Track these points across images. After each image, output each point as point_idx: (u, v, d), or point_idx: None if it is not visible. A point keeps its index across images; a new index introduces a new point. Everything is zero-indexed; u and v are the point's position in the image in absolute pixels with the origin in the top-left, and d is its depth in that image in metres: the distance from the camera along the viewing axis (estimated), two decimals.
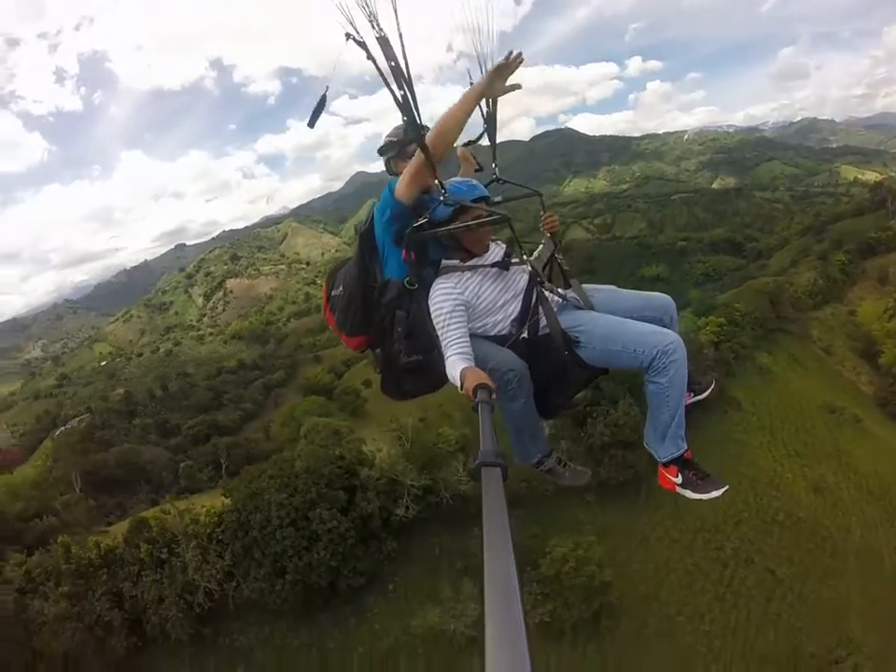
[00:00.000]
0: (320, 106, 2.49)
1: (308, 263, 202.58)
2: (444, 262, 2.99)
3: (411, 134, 2.57)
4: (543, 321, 2.90)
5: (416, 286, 2.83)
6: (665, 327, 2.86)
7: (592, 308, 2.95)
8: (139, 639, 23.69)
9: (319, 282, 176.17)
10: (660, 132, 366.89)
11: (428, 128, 2.65)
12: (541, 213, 3.21)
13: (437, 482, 27.45)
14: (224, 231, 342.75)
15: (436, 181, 2.67)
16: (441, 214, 2.73)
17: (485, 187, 3.19)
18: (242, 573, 24.02)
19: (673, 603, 27.34)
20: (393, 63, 2.39)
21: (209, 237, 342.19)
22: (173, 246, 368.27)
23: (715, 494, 2.71)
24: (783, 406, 43.55)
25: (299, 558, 23.52)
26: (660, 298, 3.04)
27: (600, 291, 3.06)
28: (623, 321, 2.79)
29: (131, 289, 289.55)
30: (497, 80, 2.63)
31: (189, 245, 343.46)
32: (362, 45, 2.36)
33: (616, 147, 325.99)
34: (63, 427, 73.38)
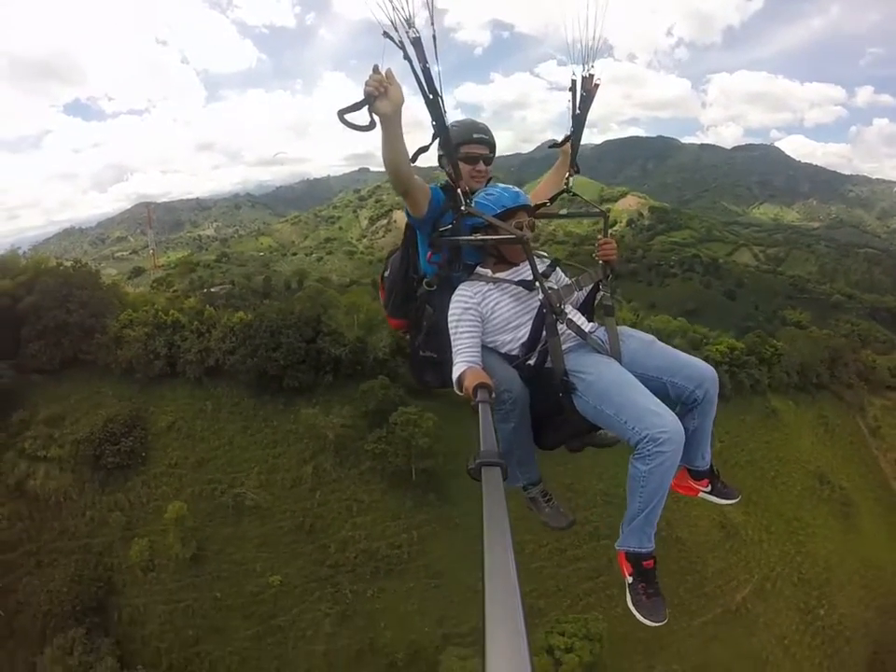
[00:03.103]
0: (359, 104, 2.72)
1: None
2: (478, 269, 3.43)
3: (440, 136, 3.07)
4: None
5: (434, 287, 3.41)
6: (693, 401, 3.04)
7: (618, 354, 3.13)
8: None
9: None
10: (874, 176, 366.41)
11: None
12: (599, 236, 3.51)
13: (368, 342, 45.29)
14: None
15: (459, 191, 3.19)
16: (468, 222, 3.25)
17: (556, 197, 3.85)
18: (239, 352, 43.09)
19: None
20: (424, 66, 2.81)
21: None
22: (357, 168, 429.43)
23: (650, 622, 2.88)
24: (767, 453, 50.74)
25: (266, 351, 42.52)
26: (700, 368, 3.06)
27: (634, 339, 3.24)
28: (631, 385, 2.89)
29: (308, 198, 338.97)
30: (379, 102, 2.73)
31: (372, 171, 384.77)
32: (400, 45, 2.73)
33: (820, 181, 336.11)
34: (206, 290, 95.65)
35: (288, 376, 42.74)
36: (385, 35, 2.70)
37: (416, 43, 2.77)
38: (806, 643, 40.70)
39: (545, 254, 3.55)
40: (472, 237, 3.25)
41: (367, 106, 2.69)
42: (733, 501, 3.54)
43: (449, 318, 3.26)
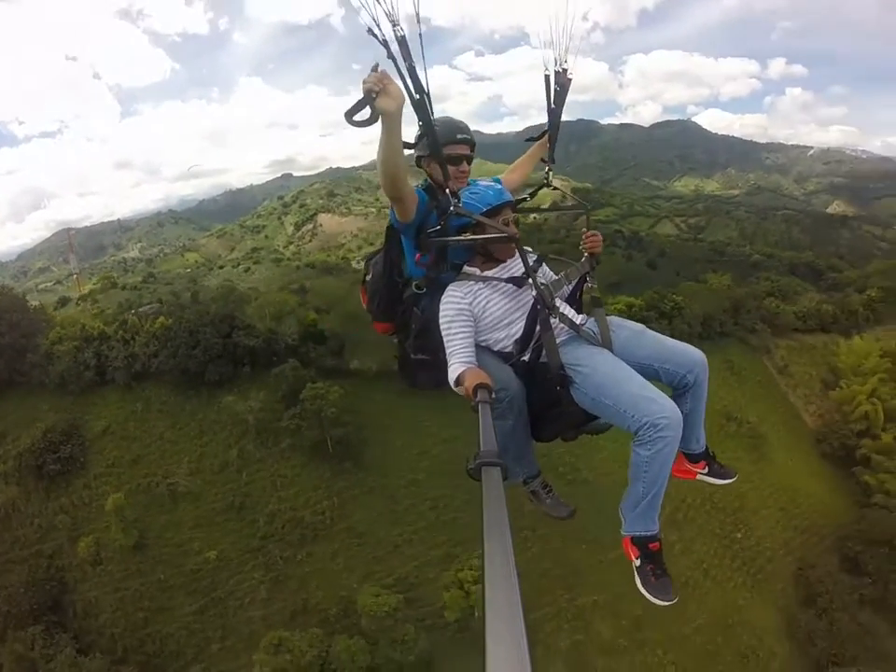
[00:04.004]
0: (361, 103, 2.70)
1: None
2: (465, 268, 3.59)
3: (428, 135, 3.20)
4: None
5: (424, 289, 3.53)
6: (685, 386, 3.31)
7: (609, 345, 3.34)
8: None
9: None
10: (789, 143, 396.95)
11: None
12: (584, 229, 3.74)
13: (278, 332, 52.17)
14: (331, 167, 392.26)
15: (447, 190, 3.28)
16: (455, 222, 3.36)
17: (536, 191, 4.11)
18: (162, 354, 49.36)
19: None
20: (409, 64, 2.90)
21: (316, 171, 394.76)
22: (279, 175, 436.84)
23: (660, 602, 3.09)
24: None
25: (186, 350, 48.68)
26: (689, 353, 3.34)
27: (624, 328, 3.47)
28: (627, 374, 3.10)
29: (233, 209, 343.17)
30: (380, 99, 2.68)
31: (295, 177, 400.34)
32: (384, 43, 2.82)
33: (737, 151, 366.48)
34: (135, 311, 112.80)
35: (209, 371, 48.64)
36: (370, 32, 2.81)
37: (401, 41, 2.88)
38: (727, 566, 45.26)
39: (530, 249, 3.68)
40: (463, 237, 3.42)
41: (368, 105, 2.74)
42: (730, 481, 3.78)
43: (441, 320, 3.39)
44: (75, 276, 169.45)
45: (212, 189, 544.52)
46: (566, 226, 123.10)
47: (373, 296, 3.90)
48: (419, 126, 3.25)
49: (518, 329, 3.46)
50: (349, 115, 2.73)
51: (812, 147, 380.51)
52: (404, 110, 2.86)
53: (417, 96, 3.01)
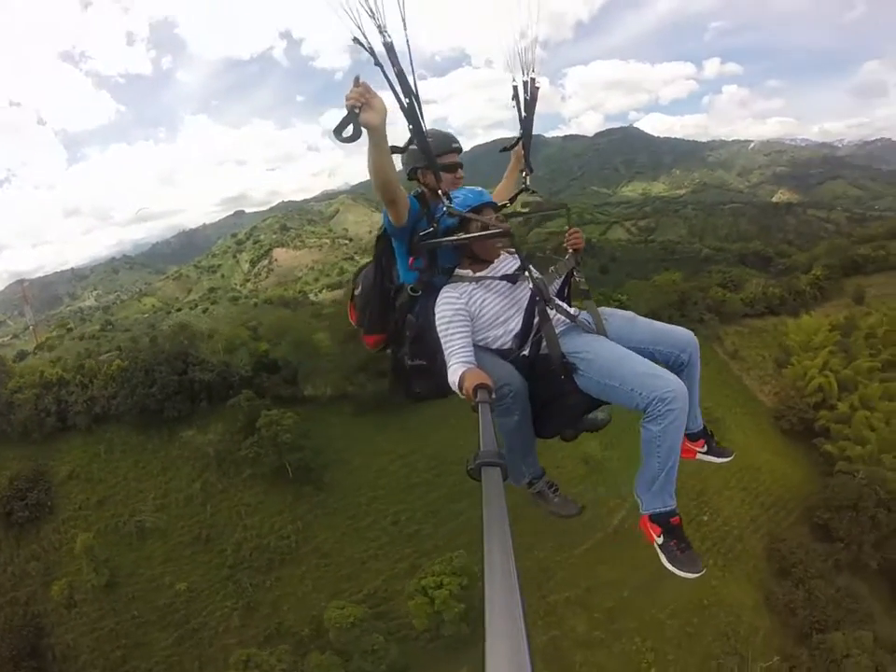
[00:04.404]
0: (347, 119, 2.87)
1: (350, 239, 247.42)
2: (457, 271, 3.74)
3: (418, 142, 3.33)
4: (545, 342, 3.45)
5: (420, 292, 3.65)
6: (680, 365, 3.47)
7: (604, 332, 3.51)
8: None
9: (357, 258, 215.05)
10: (730, 139, 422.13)
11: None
12: (566, 227, 3.97)
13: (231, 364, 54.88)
14: (283, 201, 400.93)
15: (440, 192, 3.46)
16: (446, 224, 3.55)
17: (516, 196, 4.29)
18: (120, 395, 51.83)
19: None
20: (397, 69, 3.02)
21: (268, 206, 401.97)
22: (232, 213, 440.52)
23: (690, 575, 3.27)
24: None
25: (143, 389, 50.99)
26: (681, 334, 3.55)
27: (616, 316, 3.65)
28: (629, 356, 3.27)
29: (187, 250, 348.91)
30: (364, 114, 2.87)
31: (247, 213, 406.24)
32: (370, 51, 2.91)
33: (680, 151, 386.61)
34: (94, 361, 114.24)
35: (167, 408, 50.69)
36: (355, 41, 2.87)
37: (389, 48, 2.97)
38: (697, 548, 47.72)
39: (514, 251, 3.82)
40: (456, 237, 3.55)
41: (352, 121, 2.84)
42: (729, 459, 3.97)
43: (438, 321, 3.52)
44: (31, 328, 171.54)
45: (165, 231, 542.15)
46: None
47: (364, 307, 4.06)
48: (409, 130, 3.30)
49: (516, 324, 3.59)
50: (337, 132, 2.89)
51: (753, 141, 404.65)
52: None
53: (407, 101, 3.13)
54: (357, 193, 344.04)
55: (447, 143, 3.90)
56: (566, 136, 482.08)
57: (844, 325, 65.96)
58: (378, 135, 2.98)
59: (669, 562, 3.34)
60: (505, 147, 4.54)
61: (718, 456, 4.01)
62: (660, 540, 3.39)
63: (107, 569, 44.61)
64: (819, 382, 59.92)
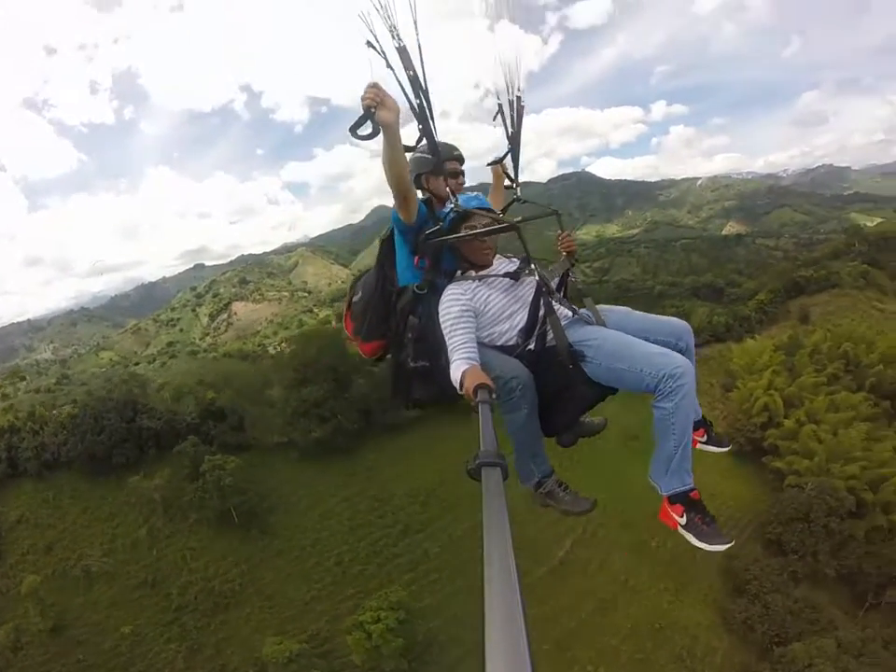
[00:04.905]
0: (363, 118, 3.06)
1: (310, 292, 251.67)
2: (458, 273, 3.93)
3: (429, 147, 3.58)
4: (551, 333, 3.63)
5: (426, 290, 3.77)
6: (679, 352, 3.50)
7: (604, 325, 3.67)
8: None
9: (316, 310, 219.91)
10: (679, 177, 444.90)
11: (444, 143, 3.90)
12: (559, 231, 4.15)
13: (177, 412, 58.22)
14: (244, 254, 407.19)
15: (449, 190, 3.76)
16: (451, 223, 3.74)
17: (507, 206, 4.55)
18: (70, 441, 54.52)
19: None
20: (412, 73, 3.24)
21: (229, 259, 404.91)
22: (192, 266, 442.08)
23: (719, 547, 3.36)
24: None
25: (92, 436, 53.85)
26: (675, 323, 3.72)
27: (613, 311, 3.83)
28: (634, 340, 3.45)
29: (146, 303, 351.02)
30: (379, 112, 3.05)
31: (208, 266, 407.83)
32: (382, 54, 3.12)
33: (632, 193, 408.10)
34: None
35: (115, 455, 53.12)
36: (369, 44, 3.08)
37: (402, 51, 3.17)
38: (648, 574, 47.99)
39: (511, 255, 4.03)
40: (463, 233, 3.74)
41: (369, 119, 3.04)
42: (727, 448, 4.14)
43: (443, 318, 3.63)
44: None
45: (125, 284, 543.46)
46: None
47: (364, 312, 4.14)
48: (419, 130, 3.55)
49: (521, 318, 3.75)
50: (353, 130, 3.11)
51: (701, 178, 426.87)
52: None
53: (417, 102, 3.37)
54: (315, 246, 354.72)
55: (449, 151, 4.18)
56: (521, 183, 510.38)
57: (788, 344, 68.97)
58: (393, 132, 3.17)
59: (698, 539, 3.44)
60: (492, 161, 4.80)
61: (717, 446, 4.16)
62: (683, 521, 3.49)
63: (54, 613, 45.85)
64: (765, 401, 62.01)
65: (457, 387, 3.25)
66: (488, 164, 4.83)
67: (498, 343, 3.78)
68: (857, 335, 67.54)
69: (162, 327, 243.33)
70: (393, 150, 3.26)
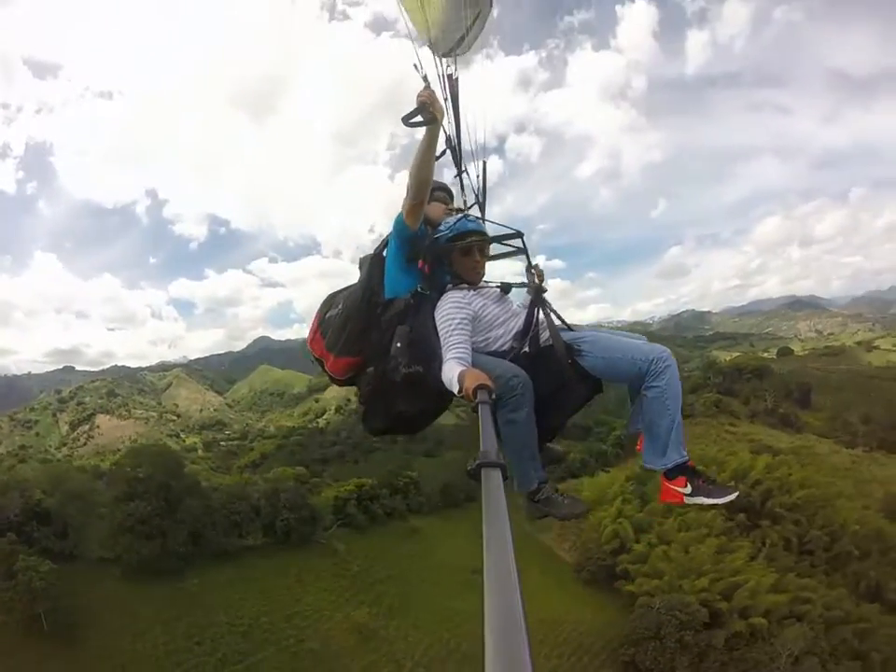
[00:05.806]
0: (416, 111, 3.53)
1: (179, 416, 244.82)
2: (449, 287, 4.11)
3: (453, 154, 4.44)
4: (544, 336, 3.90)
5: (429, 292, 3.95)
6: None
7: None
8: None
9: (183, 436, 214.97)
10: None
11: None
12: (527, 263, 4.33)
13: None
14: (117, 364, 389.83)
15: (457, 209, 4.29)
16: (456, 231, 4.04)
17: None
18: None
19: None
20: (453, 94, 3.99)
21: (101, 367, 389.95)
22: (61, 367, 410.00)
23: (729, 497, 3.67)
24: (411, 563, 61.76)
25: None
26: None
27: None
28: (620, 336, 3.93)
29: (5, 398, 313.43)
30: (437, 114, 3.59)
31: (77, 370, 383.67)
32: (424, 78, 3.65)
33: None
34: None
35: None
36: (415, 67, 3.73)
37: (448, 77, 3.95)
38: None
39: (493, 282, 4.24)
40: (466, 241, 4.02)
41: (422, 112, 3.50)
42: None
43: (440, 319, 3.84)
44: None
45: None
46: None
47: (343, 326, 4.12)
48: (445, 143, 4.21)
49: (516, 323, 4.00)
50: (406, 119, 3.52)
51: None
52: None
53: (453, 119, 4.06)
54: (192, 369, 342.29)
55: (445, 185, 4.71)
56: None
57: (640, 474, 69.22)
58: (436, 132, 3.61)
59: (709, 497, 3.69)
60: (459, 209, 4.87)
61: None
62: (688, 490, 3.69)
63: None
64: (614, 529, 63.35)
65: (450, 388, 3.40)
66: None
67: (492, 349, 3.97)
68: (708, 458, 70.25)
69: (18, 426, 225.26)
70: (429, 150, 3.67)
